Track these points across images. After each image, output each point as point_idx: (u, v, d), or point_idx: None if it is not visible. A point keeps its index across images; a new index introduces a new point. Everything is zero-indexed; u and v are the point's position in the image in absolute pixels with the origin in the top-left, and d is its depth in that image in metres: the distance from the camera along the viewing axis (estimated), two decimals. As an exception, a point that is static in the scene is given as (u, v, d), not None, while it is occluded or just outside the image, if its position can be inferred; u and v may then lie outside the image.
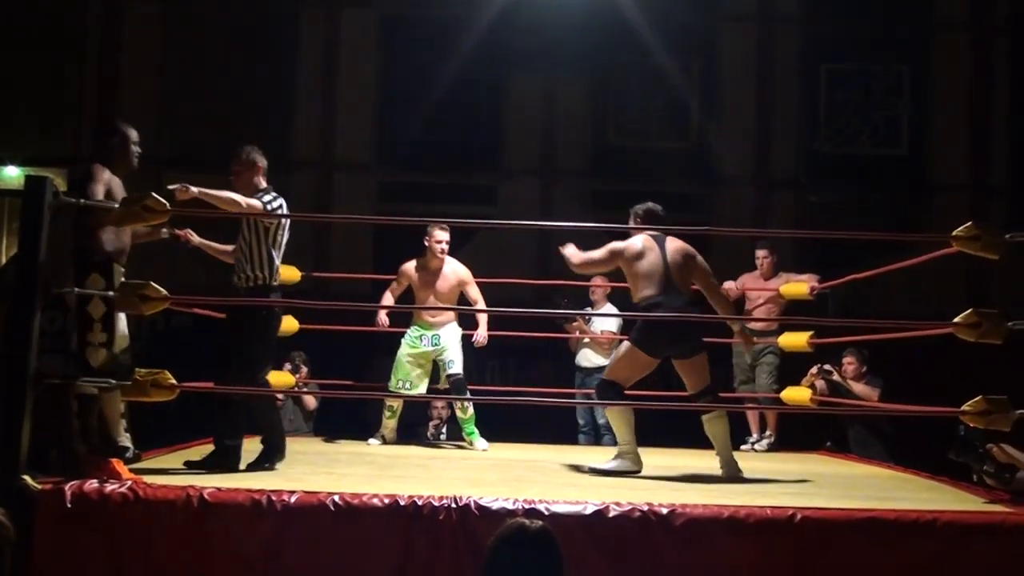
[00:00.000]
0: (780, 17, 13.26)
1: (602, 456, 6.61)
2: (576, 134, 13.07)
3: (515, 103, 13.07)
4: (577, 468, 6.33)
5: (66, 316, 5.23)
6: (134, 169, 5.78)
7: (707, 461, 6.36)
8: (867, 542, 4.32)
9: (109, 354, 5.25)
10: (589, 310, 9.21)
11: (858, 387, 8.32)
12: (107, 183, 5.46)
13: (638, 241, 6.32)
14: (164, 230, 6.00)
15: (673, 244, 6.30)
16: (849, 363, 8.46)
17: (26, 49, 12.91)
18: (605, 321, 9.08)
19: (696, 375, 6.15)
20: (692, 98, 13.20)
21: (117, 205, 5.01)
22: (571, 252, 6.54)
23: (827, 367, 8.33)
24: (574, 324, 9.19)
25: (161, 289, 4.74)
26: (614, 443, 8.79)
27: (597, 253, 6.46)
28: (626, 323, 9.17)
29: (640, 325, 6.20)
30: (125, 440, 5.55)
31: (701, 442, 7.75)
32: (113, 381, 4.98)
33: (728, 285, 8.66)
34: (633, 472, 6.01)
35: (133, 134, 5.77)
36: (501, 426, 8.11)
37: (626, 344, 6.25)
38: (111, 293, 5.07)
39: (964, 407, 4.69)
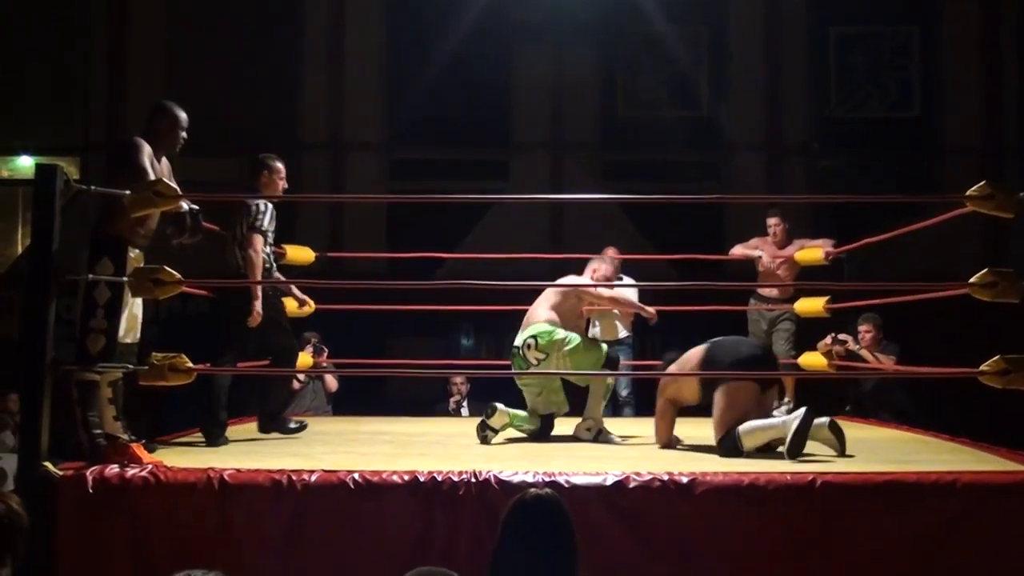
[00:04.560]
0: (787, -18, 13.19)
1: (621, 428, 6.63)
2: (585, 106, 13.02)
3: (523, 76, 13.01)
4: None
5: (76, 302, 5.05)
6: (176, 152, 5.55)
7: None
8: (888, 505, 4.31)
9: (108, 341, 5.03)
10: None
11: (877, 357, 8.28)
12: (150, 158, 5.27)
13: None
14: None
15: None
16: (867, 331, 8.42)
17: (34, 39, 12.92)
18: (624, 291, 9.05)
19: None
20: (701, 66, 13.14)
21: (128, 192, 4.93)
22: None
23: (841, 336, 8.30)
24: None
25: (175, 273, 4.73)
26: (634, 414, 8.84)
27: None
28: (643, 294, 9.15)
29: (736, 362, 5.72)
30: (117, 429, 5.19)
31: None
32: (129, 367, 4.97)
33: (749, 254, 8.62)
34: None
35: (183, 117, 5.52)
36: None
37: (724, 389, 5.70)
38: (122, 279, 4.94)
39: (982, 367, 4.66)
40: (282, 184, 6.48)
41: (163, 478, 4.36)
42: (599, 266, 6.99)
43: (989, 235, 11.72)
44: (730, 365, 5.66)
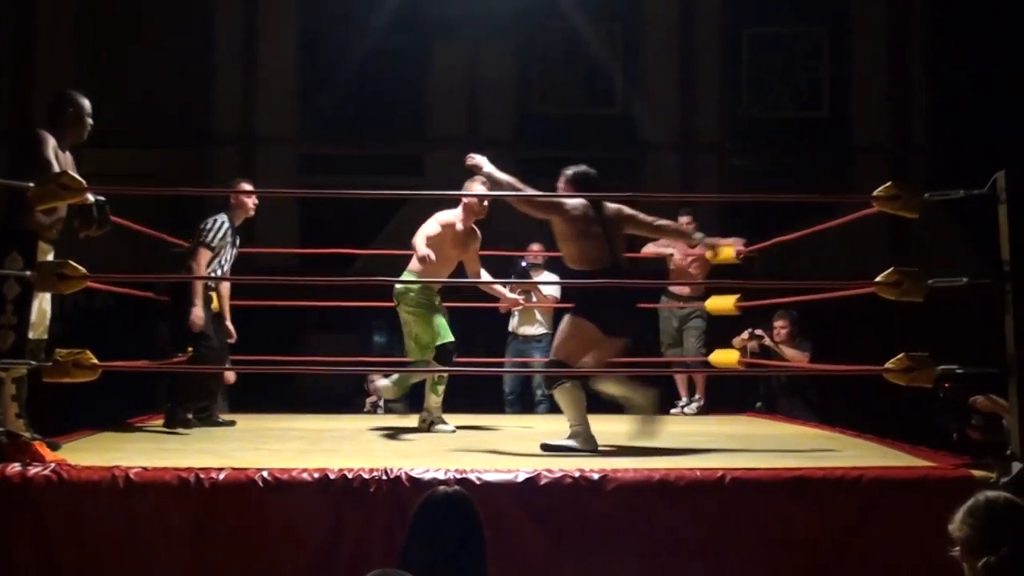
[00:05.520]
0: (702, -18, 13.32)
1: (533, 423, 6.65)
2: (501, 102, 13.04)
3: (439, 71, 13.00)
4: (527, 436, 6.32)
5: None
6: (82, 141, 5.46)
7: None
8: (796, 500, 4.37)
9: (17, 337, 4.92)
10: (533, 275, 9.12)
11: (789, 351, 8.39)
12: (55, 151, 5.15)
13: (579, 203, 5.85)
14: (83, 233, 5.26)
15: (609, 210, 5.96)
16: (781, 326, 8.51)
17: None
18: (546, 287, 9.06)
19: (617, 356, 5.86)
20: (616, 64, 13.22)
21: (31, 184, 4.79)
22: (488, 167, 6.42)
23: (758, 331, 8.39)
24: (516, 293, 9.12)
25: (80, 267, 4.63)
26: (547, 411, 8.85)
27: (533, 191, 6.16)
28: (564, 290, 9.17)
29: (590, 296, 5.49)
30: (19, 427, 5.02)
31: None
32: (33, 363, 4.84)
33: (661, 252, 8.68)
34: (588, 451, 5.41)
35: (86, 105, 5.45)
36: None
37: (570, 318, 5.57)
38: (27, 274, 4.80)
39: (887, 364, 4.74)
40: (250, 202, 7.07)
41: (67, 476, 4.26)
42: (470, 187, 7.33)
43: (895, 234, 11.94)
44: (579, 293, 5.66)
